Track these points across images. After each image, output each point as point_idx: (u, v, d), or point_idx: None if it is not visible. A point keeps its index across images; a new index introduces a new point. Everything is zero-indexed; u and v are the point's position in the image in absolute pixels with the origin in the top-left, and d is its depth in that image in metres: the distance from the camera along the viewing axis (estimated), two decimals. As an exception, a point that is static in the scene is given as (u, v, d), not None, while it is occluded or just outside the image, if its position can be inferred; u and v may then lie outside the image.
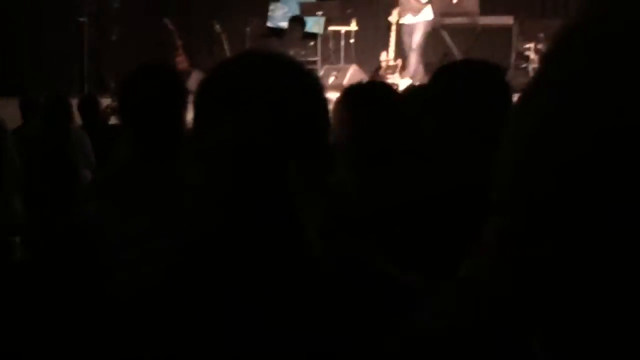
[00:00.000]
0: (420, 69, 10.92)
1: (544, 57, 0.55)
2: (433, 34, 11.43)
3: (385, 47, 11.75)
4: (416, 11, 10.93)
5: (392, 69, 11.58)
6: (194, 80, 9.58)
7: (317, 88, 1.61)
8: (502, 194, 0.54)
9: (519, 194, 0.52)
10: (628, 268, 0.46)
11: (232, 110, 1.52)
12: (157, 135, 2.62)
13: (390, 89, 2.79)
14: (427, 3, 10.90)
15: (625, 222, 0.46)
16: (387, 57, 11.67)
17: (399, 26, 11.58)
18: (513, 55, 11.08)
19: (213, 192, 1.52)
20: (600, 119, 0.47)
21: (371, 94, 2.54)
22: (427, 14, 10.96)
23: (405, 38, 11.02)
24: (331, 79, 11.44)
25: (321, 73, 11.77)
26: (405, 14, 10.98)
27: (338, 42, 11.88)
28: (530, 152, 0.52)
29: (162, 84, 2.67)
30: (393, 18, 11.71)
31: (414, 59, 11.01)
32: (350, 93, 2.57)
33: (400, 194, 2.23)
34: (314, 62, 12.23)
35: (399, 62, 11.57)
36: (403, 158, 2.33)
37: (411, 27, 10.97)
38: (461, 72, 2.16)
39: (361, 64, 11.52)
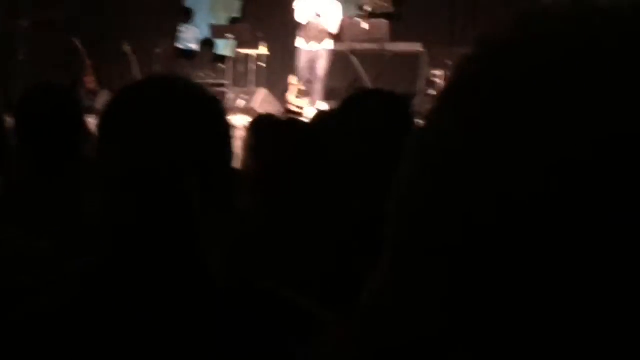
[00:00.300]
0: (321, 97, 11.08)
1: (439, 97, 0.54)
2: (342, 59, 11.52)
3: (295, 71, 11.81)
4: (319, 40, 11.03)
5: (301, 93, 11.63)
6: (102, 101, 9.49)
7: (219, 113, 1.61)
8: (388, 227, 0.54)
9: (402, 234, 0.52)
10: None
11: (134, 134, 1.51)
12: (50, 153, 2.59)
13: (297, 122, 2.80)
14: (328, 33, 11.00)
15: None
16: (297, 81, 11.72)
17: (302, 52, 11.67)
18: (422, 82, 11.23)
19: (113, 217, 1.50)
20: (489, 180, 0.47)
21: (277, 125, 2.55)
22: (329, 43, 11.08)
23: (306, 65, 11.09)
24: (241, 103, 11.43)
25: (231, 96, 11.76)
26: (309, 41, 11.05)
27: (248, 66, 11.88)
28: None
29: (55, 102, 2.65)
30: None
31: (319, 87, 11.14)
32: (258, 123, 2.58)
33: (306, 221, 2.23)
34: (224, 85, 12.21)
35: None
36: (309, 185, 2.33)
37: (314, 55, 11.05)
38: (368, 101, 2.18)
39: (271, 88, 11.55)
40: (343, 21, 11.54)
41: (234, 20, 12.83)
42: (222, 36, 12.40)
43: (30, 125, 2.61)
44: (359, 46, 11.25)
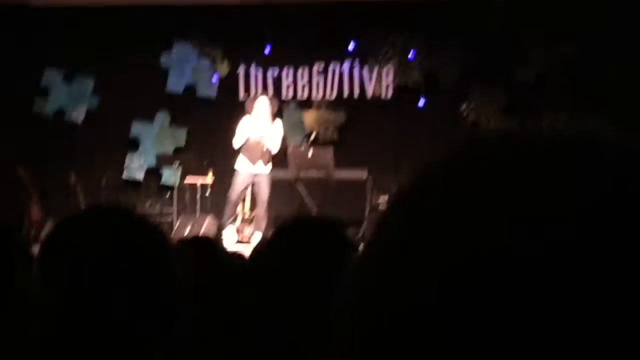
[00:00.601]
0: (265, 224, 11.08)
1: (377, 221, 0.62)
2: (288, 186, 11.61)
3: (242, 199, 11.85)
4: (265, 160, 11.04)
5: (248, 221, 11.65)
6: (47, 230, 9.40)
7: (160, 242, 1.62)
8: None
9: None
10: None
11: (72, 266, 1.52)
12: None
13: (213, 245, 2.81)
14: (270, 154, 11.04)
15: None
16: (243, 209, 11.75)
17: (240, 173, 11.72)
18: (367, 208, 11.32)
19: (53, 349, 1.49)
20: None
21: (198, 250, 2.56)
22: (267, 168, 11.11)
23: (242, 187, 11.09)
24: (187, 230, 11.41)
25: (177, 224, 11.75)
26: (254, 162, 11.02)
27: (194, 194, 11.91)
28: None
29: None
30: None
31: (261, 212, 11.15)
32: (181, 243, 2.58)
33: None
34: (170, 214, 12.21)
35: (254, 214, 11.65)
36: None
37: (261, 177, 11.07)
38: (299, 230, 2.19)
39: (218, 215, 11.54)
40: (289, 148, 11.67)
41: (179, 150, 12.92)
42: (167, 165, 12.46)
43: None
44: (304, 173, 11.34)
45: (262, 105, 11.08)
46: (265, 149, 10.98)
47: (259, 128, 10.98)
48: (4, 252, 2.63)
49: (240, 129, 11.08)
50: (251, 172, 11.05)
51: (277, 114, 11.38)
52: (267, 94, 12.08)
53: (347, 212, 10.28)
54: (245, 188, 11.10)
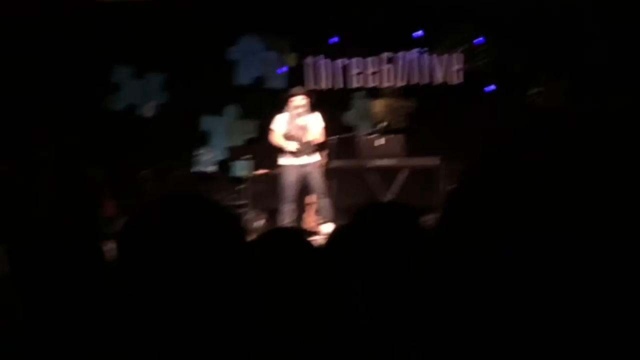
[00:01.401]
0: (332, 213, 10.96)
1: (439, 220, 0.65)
2: (359, 176, 11.59)
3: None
4: (308, 153, 10.91)
5: (317, 213, 11.63)
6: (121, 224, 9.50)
7: (237, 231, 1.60)
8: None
9: None
10: None
11: (148, 257, 1.50)
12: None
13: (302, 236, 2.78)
14: (315, 145, 10.91)
15: None
16: (311, 200, 11.73)
17: (327, 169, 11.71)
18: (439, 196, 11.24)
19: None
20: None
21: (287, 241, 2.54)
22: (317, 155, 10.96)
23: (296, 182, 10.92)
24: (261, 222, 11.46)
25: (250, 216, 11.79)
26: (299, 155, 10.91)
27: (267, 185, 11.92)
28: None
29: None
30: (321, 161, 11.87)
31: (325, 201, 10.97)
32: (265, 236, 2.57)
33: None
34: (243, 206, 12.26)
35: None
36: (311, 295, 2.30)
37: (304, 170, 10.90)
38: (376, 214, 2.18)
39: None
40: (359, 138, 11.66)
41: (250, 141, 12.97)
42: (238, 157, 12.51)
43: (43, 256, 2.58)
44: (375, 162, 11.31)
45: (299, 99, 10.95)
46: (306, 141, 10.84)
47: (299, 121, 10.87)
48: (88, 271, 2.62)
49: (275, 124, 11.00)
50: (298, 164, 10.98)
51: (316, 105, 11.20)
52: (331, 84, 12.03)
53: (419, 199, 10.20)
54: (297, 182, 10.91)
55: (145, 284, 1.49)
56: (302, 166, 10.85)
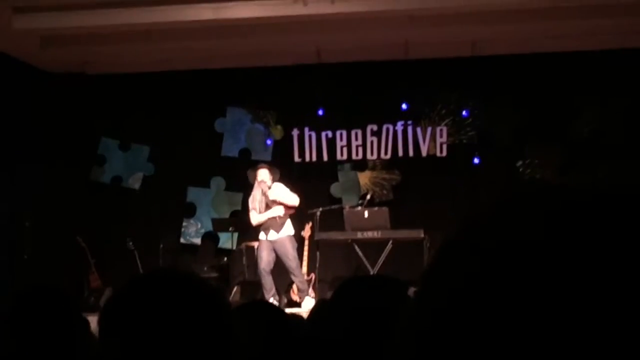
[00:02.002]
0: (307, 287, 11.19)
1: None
2: (345, 248, 11.58)
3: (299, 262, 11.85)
4: (278, 227, 11.14)
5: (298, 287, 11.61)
6: (106, 298, 9.45)
7: (219, 305, 1.60)
8: None
9: None
10: None
11: (135, 328, 1.51)
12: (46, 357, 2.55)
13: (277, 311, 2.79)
14: (283, 221, 11.12)
15: None
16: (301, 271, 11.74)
17: (311, 241, 11.74)
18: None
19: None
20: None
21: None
22: (289, 229, 11.19)
23: (266, 254, 11.09)
24: (246, 295, 11.42)
25: (234, 289, 11.78)
26: (268, 232, 11.15)
27: (251, 258, 11.91)
28: None
29: (48, 304, 2.63)
30: (305, 233, 11.88)
31: (299, 279, 11.16)
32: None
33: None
34: (226, 278, 12.22)
35: (312, 276, 11.64)
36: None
37: (277, 244, 11.11)
38: (361, 285, 2.17)
39: (275, 278, 11.52)
40: (345, 210, 11.69)
41: (235, 213, 12.98)
42: (223, 229, 12.50)
43: (25, 328, 2.58)
44: (360, 234, 11.31)
45: (263, 176, 11.19)
46: (272, 219, 11.09)
47: (262, 200, 11.13)
48: (64, 318, 2.62)
49: (253, 204, 11.28)
50: (268, 240, 11.14)
51: (289, 182, 11.45)
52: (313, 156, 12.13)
53: (405, 272, 10.19)
54: (268, 255, 11.10)
55: (127, 357, 1.49)
56: (271, 242, 11.05)
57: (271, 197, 11.12)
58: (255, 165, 11.71)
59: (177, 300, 1.54)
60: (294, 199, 11.22)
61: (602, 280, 0.53)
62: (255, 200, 11.29)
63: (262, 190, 11.16)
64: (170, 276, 1.65)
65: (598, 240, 0.55)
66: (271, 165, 11.56)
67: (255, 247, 11.67)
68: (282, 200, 11.12)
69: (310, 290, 11.44)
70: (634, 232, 0.55)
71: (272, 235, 11.13)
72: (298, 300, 11.31)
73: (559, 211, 0.58)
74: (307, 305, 10.77)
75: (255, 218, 11.27)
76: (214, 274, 12.17)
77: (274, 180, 11.30)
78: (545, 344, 0.53)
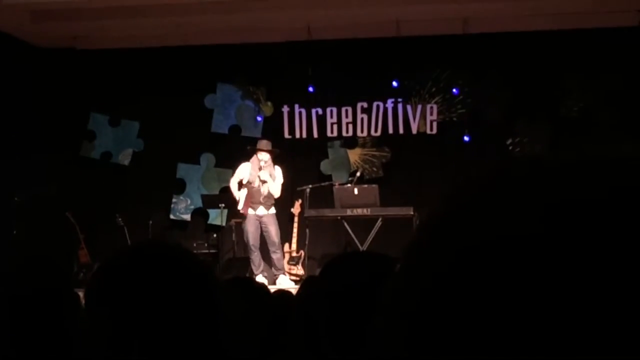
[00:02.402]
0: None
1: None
2: (335, 225, 11.60)
3: (289, 238, 11.87)
4: (267, 206, 11.17)
5: (295, 260, 11.66)
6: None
7: (206, 276, 1.61)
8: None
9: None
10: None
11: (121, 299, 1.51)
12: (38, 329, 2.55)
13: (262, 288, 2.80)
14: (272, 200, 11.16)
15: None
16: (290, 248, 11.77)
17: (301, 218, 11.76)
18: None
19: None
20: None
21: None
22: (273, 208, 11.24)
23: (255, 230, 11.15)
24: (233, 271, 11.44)
25: (222, 264, 11.81)
26: (256, 207, 11.17)
27: (241, 234, 11.92)
28: None
29: (42, 277, 2.64)
30: (295, 210, 11.90)
31: (278, 253, 11.21)
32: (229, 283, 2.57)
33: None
34: (216, 254, 12.24)
35: (302, 253, 11.67)
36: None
37: (265, 219, 11.18)
38: (349, 262, 2.18)
39: (264, 254, 11.55)
40: (335, 187, 11.70)
41: (225, 190, 12.98)
42: (213, 206, 12.50)
43: (17, 300, 2.58)
44: (350, 212, 11.33)
45: (263, 156, 11.20)
46: (265, 195, 11.10)
47: (261, 174, 11.11)
48: (53, 291, 2.63)
49: (237, 173, 11.31)
50: (255, 214, 11.17)
51: (278, 159, 11.43)
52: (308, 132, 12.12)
53: (394, 249, 10.21)
54: (256, 231, 11.15)
55: (114, 331, 1.49)
56: (258, 216, 11.07)
57: (262, 177, 11.12)
58: (254, 142, 11.70)
59: (163, 272, 1.54)
60: (277, 190, 11.24)
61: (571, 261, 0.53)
62: (245, 171, 11.28)
63: (259, 166, 11.14)
64: (156, 248, 1.65)
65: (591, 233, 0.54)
66: (271, 147, 11.50)
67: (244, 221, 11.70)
68: (269, 187, 11.14)
69: (299, 267, 11.49)
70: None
71: (261, 210, 11.15)
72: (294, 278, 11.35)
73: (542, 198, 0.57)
74: (281, 283, 10.82)
75: (234, 189, 11.35)
76: (204, 250, 12.20)
77: (272, 159, 11.30)
78: (531, 323, 0.53)
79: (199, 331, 1.51)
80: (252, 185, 11.17)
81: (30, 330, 2.52)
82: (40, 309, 2.57)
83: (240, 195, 11.26)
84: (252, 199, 11.21)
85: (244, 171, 11.30)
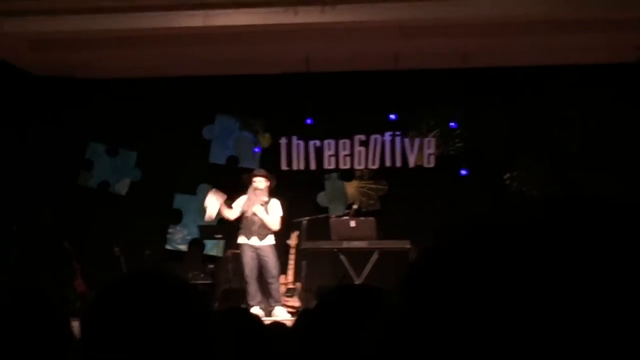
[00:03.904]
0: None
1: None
2: (331, 257, 11.58)
3: (285, 270, 11.85)
4: (261, 236, 11.14)
5: (291, 292, 11.64)
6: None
7: (200, 306, 1.61)
8: None
9: None
10: None
11: (117, 330, 1.51)
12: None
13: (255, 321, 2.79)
14: (269, 231, 11.14)
15: None
16: (286, 279, 11.75)
17: (298, 250, 11.75)
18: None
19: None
20: None
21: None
22: (272, 238, 11.19)
23: (250, 260, 11.10)
24: (230, 302, 11.40)
25: (219, 295, 11.77)
26: (250, 237, 11.14)
27: (237, 265, 11.90)
28: None
29: (35, 309, 2.61)
30: (292, 241, 11.88)
31: (275, 284, 11.16)
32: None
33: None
34: (212, 285, 12.22)
35: (298, 285, 11.65)
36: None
37: (262, 250, 11.11)
38: (345, 298, 2.18)
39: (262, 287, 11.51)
40: (331, 219, 11.70)
41: (222, 221, 12.98)
42: (210, 236, 12.50)
43: (10, 333, 2.56)
44: (347, 244, 11.32)
45: (259, 183, 11.19)
46: (258, 226, 11.08)
47: (253, 205, 11.10)
48: (48, 324, 2.61)
49: (236, 203, 11.26)
50: (251, 245, 11.14)
51: (275, 190, 11.42)
52: (304, 164, 12.14)
53: (390, 282, 10.19)
54: (252, 261, 11.10)
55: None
56: (254, 247, 11.04)
57: (254, 210, 11.12)
58: (251, 171, 11.72)
59: (158, 302, 1.54)
60: (274, 224, 11.21)
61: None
62: (241, 201, 11.28)
63: (254, 196, 11.15)
64: (151, 278, 1.65)
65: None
66: (268, 174, 11.51)
67: (240, 252, 11.67)
68: (263, 219, 11.12)
69: (296, 299, 11.46)
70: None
71: (255, 241, 11.12)
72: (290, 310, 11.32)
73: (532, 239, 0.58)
74: (277, 314, 10.79)
75: (227, 213, 11.34)
76: (200, 281, 12.17)
77: (270, 187, 11.29)
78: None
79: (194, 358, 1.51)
80: (246, 215, 11.16)
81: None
82: (31, 343, 2.55)
83: (215, 207, 11.24)
84: (246, 229, 11.19)
85: (239, 202, 11.29)
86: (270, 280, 11.14)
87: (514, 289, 0.56)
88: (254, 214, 11.13)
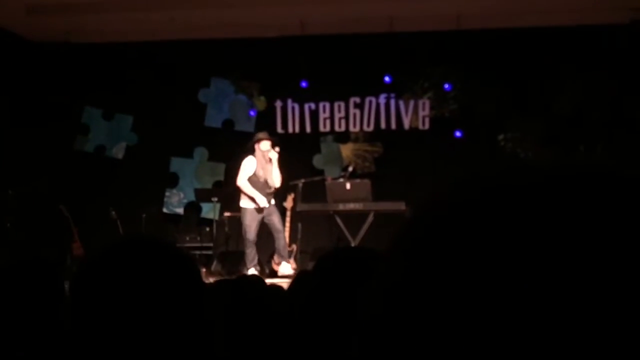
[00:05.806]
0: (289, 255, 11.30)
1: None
2: (327, 219, 11.62)
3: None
4: (271, 197, 11.16)
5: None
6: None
7: (192, 273, 1.63)
8: None
9: None
10: None
11: (105, 295, 1.53)
12: (31, 327, 2.58)
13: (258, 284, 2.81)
14: (273, 195, 11.16)
15: None
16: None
17: (294, 212, 11.78)
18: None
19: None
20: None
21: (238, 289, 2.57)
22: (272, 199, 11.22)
23: (255, 225, 11.11)
24: (227, 265, 11.48)
25: (215, 259, 11.82)
26: (262, 200, 11.15)
27: (233, 228, 11.95)
28: None
29: (37, 277, 2.66)
30: (288, 204, 11.91)
31: (283, 242, 11.18)
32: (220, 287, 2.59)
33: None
34: (209, 248, 12.27)
35: (294, 247, 11.69)
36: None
37: (268, 210, 11.16)
38: (341, 260, 2.20)
39: (258, 249, 11.56)
40: (327, 182, 11.72)
41: (218, 184, 13.01)
42: (206, 199, 12.52)
43: (11, 299, 2.61)
44: (342, 206, 11.35)
45: (266, 143, 11.16)
46: (270, 189, 11.09)
47: (264, 168, 11.08)
48: (43, 286, 2.66)
49: (244, 168, 11.19)
50: (259, 209, 11.14)
51: (282, 152, 11.40)
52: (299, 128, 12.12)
53: (386, 244, 10.22)
54: (257, 225, 11.08)
55: (97, 326, 1.51)
56: (262, 210, 11.03)
57: (270, 170, 11.10)
58: (251, 135, 11.70)
59: (148, 267, 1.55)
60: (279, 180, 11.22)
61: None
62: (252, 165, 11.16)
63: (269, 159, 11.10)
64: (143, 243, 1.66)
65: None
66: (273, 137, 11.47)
67: (242, 216, 11.67)
68: (275, 174, 11.11)
69: (292, 261, 11.50)
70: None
71: (265, 203, 11.08)
72: (276, 267, 11.37)
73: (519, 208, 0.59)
74: (283, 270, 10.90)
75: (246, 186, 11.20)
76: (196, 244, 12.23)
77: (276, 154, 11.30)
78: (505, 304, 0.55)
79: (184, 326, 1.53)
80: (258, 179, 11.11)
81: (16, 323, 2.56)
82: (27, 306, 2.60)
83: (259, 199, 11.14)
84: (261, 192, 11.15)
85: (250, 165, 11.20)
86: (277, 236, 11.15)
87: (516, 248, 0.56)
88: (267, 177, 11.09)
